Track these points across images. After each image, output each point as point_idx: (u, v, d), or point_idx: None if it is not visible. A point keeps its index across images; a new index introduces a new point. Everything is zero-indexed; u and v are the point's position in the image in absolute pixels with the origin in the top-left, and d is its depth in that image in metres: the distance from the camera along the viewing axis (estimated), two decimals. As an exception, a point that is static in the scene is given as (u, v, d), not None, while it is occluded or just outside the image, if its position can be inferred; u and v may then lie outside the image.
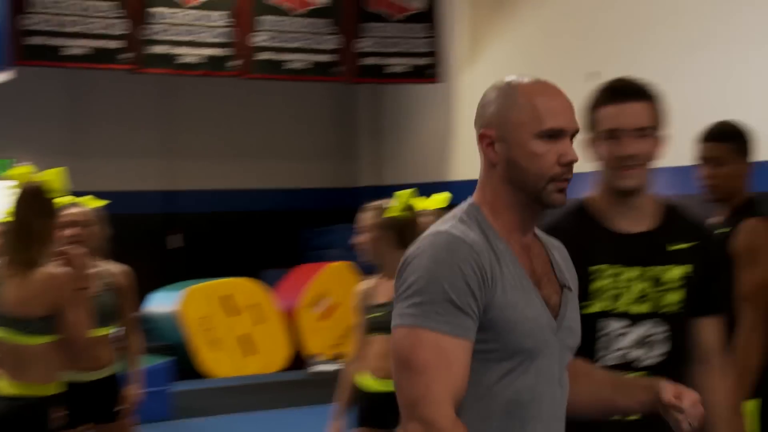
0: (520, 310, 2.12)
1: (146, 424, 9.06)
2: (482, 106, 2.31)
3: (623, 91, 2.94)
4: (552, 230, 2.83)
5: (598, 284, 2.88)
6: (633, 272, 2.90)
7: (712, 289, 3.00)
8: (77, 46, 10.77)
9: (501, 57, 13.21)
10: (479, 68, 13.44)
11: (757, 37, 9.97)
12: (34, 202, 4.45)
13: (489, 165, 2.26)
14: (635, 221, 2.94)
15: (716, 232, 3.74)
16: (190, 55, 11.33)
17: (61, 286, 4.36)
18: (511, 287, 2.14)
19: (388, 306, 4.45)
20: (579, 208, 2.99)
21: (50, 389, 4.43)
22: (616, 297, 2.88)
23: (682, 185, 9.30)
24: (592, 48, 11.85)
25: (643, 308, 2.89)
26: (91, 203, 5.64)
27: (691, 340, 3.02)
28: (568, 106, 2.26)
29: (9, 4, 10.46)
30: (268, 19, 11.76)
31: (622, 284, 2.90)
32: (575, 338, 2.28)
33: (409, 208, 4.99)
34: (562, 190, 2.23)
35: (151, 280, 11.87)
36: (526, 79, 2.27)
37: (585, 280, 2.78)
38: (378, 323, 4.77)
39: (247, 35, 11.53)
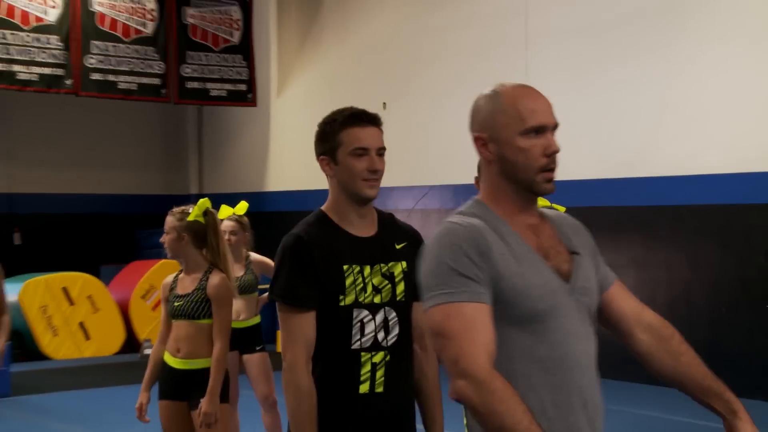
0: (528, 278, 2.18)
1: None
2: (473, 113, 2.36)
3: (366, 117, 3.07)
4: (301, 239, 3.01)
5: (349, 280, 2.98)
6: (368, 269, 3.02)
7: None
8: None
9: (308, 85, 13.63)
10: (289, 94, 13.84)
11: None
12: None
13: (486, 163, 2.32)
14: (367, 227, 3.07)
15: None
16: (27, 72, 11.29)
17: None
18: (517, 260, 2.19)
19: (186, 297, 4.77)
20: (321, 218, 3.07)
21: None
22: (363, 290, 2.98)
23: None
24: (384, 80, 12.31)
25: (377, 299, 3.02)
26: None
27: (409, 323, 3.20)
28: (548, 105, 2.33)
29: None
30: (100, 44, 11.82)
31: (364, 279, 3.01)
32: (591, 296, 2.31)
33: (206, 213, 4.96)
34: (550, 180, 2.28)
35: None
36: (509, 85, 2.34)
37: (341, 276, 2.94)
38: (179, 311, 4.86)
39: (80, 57, 11.59)
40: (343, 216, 2.98)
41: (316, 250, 2.91)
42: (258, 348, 6.75)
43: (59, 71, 11.57)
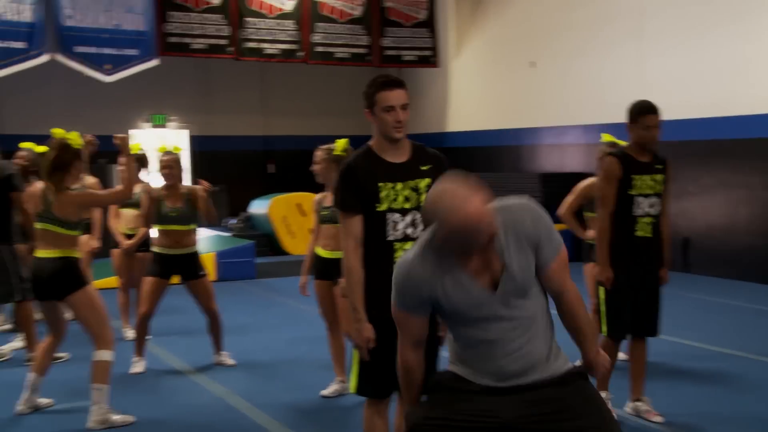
0: (456, 301, 2.51)
1: (239, 281, 10.23)
2: None
3: (393, 83, 3.32)
4: (351, 166, 3.31)
5: (383, 193, 3.28)
6: (400, 185, 3.33)
7: None
8: (199, 43, 12.41)
9: (477, 49, 14.19)
10: (463, 57, 14.50)
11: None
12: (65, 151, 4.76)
13: None
14: (400, 155, 3.34)
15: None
16: (272, 48, 12.82)
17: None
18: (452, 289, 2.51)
19: (331, 208, 5.02)
20: (367, 151, 3.34)
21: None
22: (394, 200, 3.30)
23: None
24: (532, 43, 12.73)
25: (407, 205, 3.32)
26: (176, 150, 6.23)
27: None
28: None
29: (155, 14, 11.97)
30: (321, 25, 13.14)
31: (396, 192, 3.32)
32: (522, 282, 2.51)
33: (345, 149, 5.19)
34: None
35: (255, 193, 13.40)
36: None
37: (376, 191, 3.24)
38: (326, 218, 5.24)
39: (308, 35, 13.00)
40: (382, 149, 3.30)
41: (359, 173, 3.26)
42: None
43: (294, 46, 12.93)
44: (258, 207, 12.83)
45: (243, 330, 7.27)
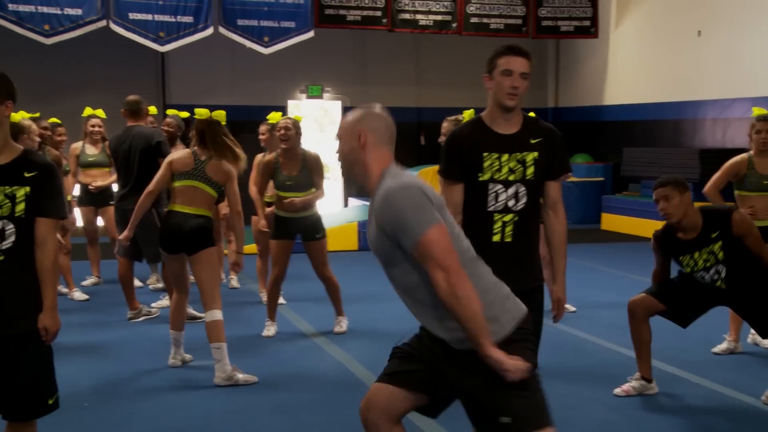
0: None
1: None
2: None
3: (517, 50, 3.34)
4: (456, 134, 3.40)
5: (486, 163, 3.30)
6: (506, 156, 3.33)
7: (553, 164, 3.39)
8: (355, 15, 12.59)
9: (638, 19, 13.64)
10: (623, 27, 13.99)
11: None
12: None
13: None
14: (511, 127, 3.34)
15: None
16: (426, 20, 12.83)
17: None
18: None
19: None
20: (476, 121, 3.41)
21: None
22: (498, 170, 3.31)
23: None
24: (698, 12, 12.11)
25: (511, 177, 3.32)
26: (297, 119, 6.32)
27: (541, 195, 3.44)
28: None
29: None
30: None
31: (501, 163, 3.32)
32: (379, 255, 2.70)
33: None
34: None
35: (408, 163, 13.62)
36: None
37: (480, 160, 3.26)
38: None
39: (463, 6, 12.87)
40: (492, 119, 3.32)
41: (464, 142, 3.32)
42: None
43: (447, 17, 12.88)
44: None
45: (376, 298, 7.29)
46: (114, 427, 4.37)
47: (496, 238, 3.32)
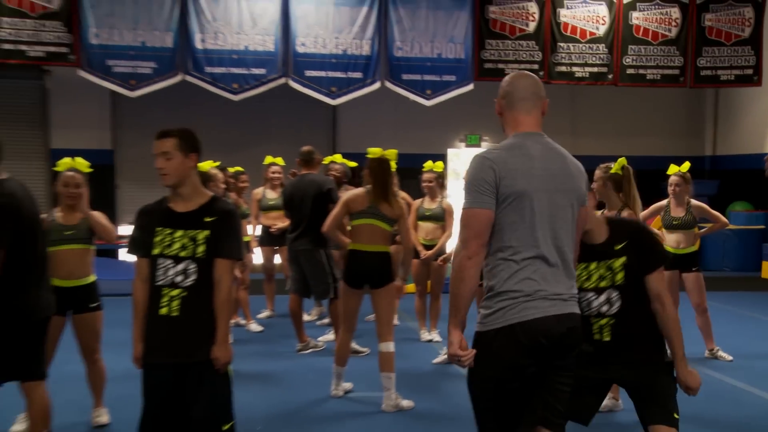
0: None
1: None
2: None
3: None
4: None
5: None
6: (593, 265, 3.37)
7: (649, 261, 3.36)
8: (513, 68, 12.38)
9: None
10: None
11: None
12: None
13: None
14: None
15: None
16: (582, 72, 12.95)
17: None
18: None
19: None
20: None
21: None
22: (587, 279, 3.35)
23: None
24: None
25: (602, 284, 3.35)
26: (438, 168, 7.09)
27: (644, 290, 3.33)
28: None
29: (474, 43, 12.62)
30: (634, 47, 12.95)
31: (590, 272, 3.37)
32: None
33: (623, 168, 5.21)
34: None
35: None
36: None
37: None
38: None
39: (620, 58, 12.89)
40: None
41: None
42: (694, 269, 6.83)
43: (604, 69, 12.90)
44: None
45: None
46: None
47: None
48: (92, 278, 4.95)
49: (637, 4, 13.00)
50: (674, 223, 6.87)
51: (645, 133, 15.03)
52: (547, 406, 2.92)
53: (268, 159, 8.74)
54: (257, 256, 8.76)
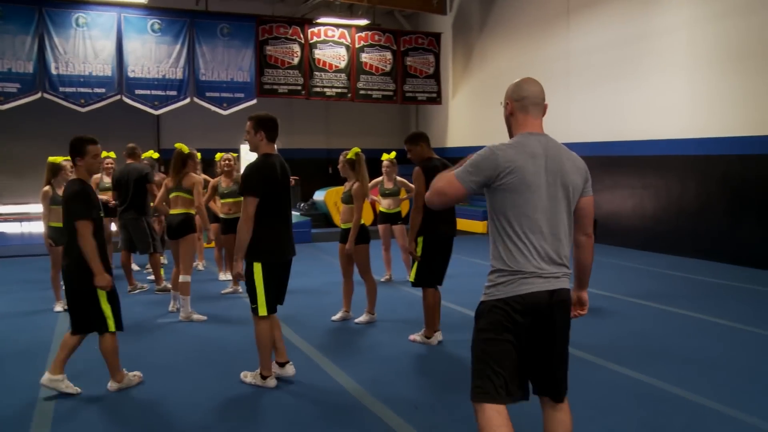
0: None
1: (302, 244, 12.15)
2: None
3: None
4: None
5: None
6: None
7: None
8: (283, 88, 16.38)
9: (466, 93, 17.12)
10: (457, 98, 17.46)
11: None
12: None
13: None
14: None
15: None
16: (331, 92, 16.41)
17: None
18: None
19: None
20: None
21: None
22: None
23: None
24: (501, 88, 16.00)
25: None
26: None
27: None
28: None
29: (256, 70, 15.54)
30: (364, 77, 16.48)
31: None
32: None
33: (356, 155, 6.19)
34: None
35: (319, 186, 16.57)
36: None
37: None
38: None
39: (354, 83, 16.41)
40: None
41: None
42: (400, 222, 8.41)
43: (345, 90, 16.60)
44: (318, 195, 16.23)
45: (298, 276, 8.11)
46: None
47: None
48: None
49: (365, 48, 16.89)
50: (386, 192, 8.50)
51: (372, 133, 18.89)
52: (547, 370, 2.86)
53: (104, 153, 9.32)
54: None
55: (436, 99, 18.04)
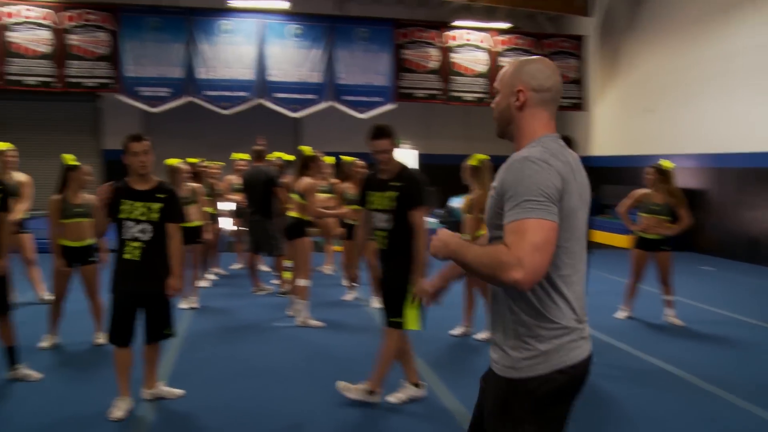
0: None
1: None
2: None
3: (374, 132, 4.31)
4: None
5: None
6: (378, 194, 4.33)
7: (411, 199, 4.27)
8: (420, 93, 16.57)
9: (611, 98, 16.45)
10: (602, 104, 16.71)
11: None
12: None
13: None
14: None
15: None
16: (471, 96, 16.86)
17: None
18: None
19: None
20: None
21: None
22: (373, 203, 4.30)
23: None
24: (649, 91, 14.63)
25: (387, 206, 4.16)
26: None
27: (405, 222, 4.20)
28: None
29: (393, 73, 15.49)
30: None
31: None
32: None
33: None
34: None
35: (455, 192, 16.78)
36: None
37: None
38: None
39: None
40: None
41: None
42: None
43: (485, 95, 16.51)
44: (456, 202, 14.14)
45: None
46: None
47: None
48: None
49: (506, 52, 16.41)
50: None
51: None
52: None
53: (236, 156, 10.27)
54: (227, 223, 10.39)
55: (580, 105, 17.44)
